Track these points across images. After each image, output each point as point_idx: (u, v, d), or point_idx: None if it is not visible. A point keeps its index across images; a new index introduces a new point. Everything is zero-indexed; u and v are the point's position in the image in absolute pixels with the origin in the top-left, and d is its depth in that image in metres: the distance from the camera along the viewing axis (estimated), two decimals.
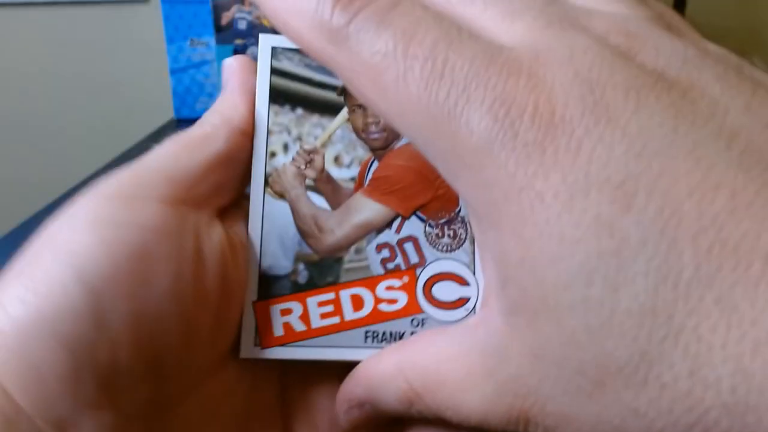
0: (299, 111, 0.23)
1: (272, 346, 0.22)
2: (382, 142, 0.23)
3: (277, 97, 0.23)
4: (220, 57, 0.93)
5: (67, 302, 0.17)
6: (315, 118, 0.23)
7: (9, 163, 1.35)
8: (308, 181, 0.23)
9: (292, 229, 0.23)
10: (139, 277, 0.19)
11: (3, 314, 0.17)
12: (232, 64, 0.23)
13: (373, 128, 0.23)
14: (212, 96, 1.01)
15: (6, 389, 0.17)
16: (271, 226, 0.22)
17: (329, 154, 0.23)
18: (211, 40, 0.97)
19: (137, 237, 0.19)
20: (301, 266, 0.23)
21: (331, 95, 0.23)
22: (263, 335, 0.22)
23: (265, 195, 0.23)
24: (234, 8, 0.91)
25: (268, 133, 0.23)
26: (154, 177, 0.20)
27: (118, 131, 1.21)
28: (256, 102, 0.23)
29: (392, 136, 0.23)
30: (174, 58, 1.00)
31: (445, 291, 0.22)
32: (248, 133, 0.23)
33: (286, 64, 0.23)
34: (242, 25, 0.92)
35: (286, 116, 0.23)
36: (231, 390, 0.22)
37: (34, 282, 0.18)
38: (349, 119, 0.23)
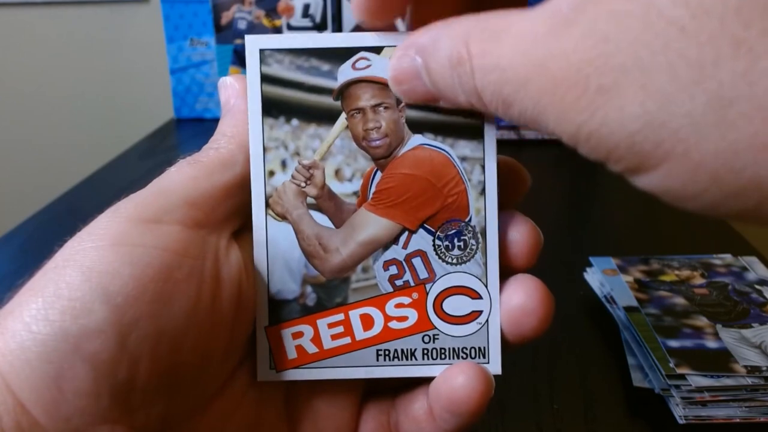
0: (294, 122, 0.22)
1: (287, 369, 0.22)
2: (385, 149, 0.22)
3: (271, 108, 0.22)
4: (220, 57, 0.93)
5: (92, 321, 0.18)
6: (312, 129, 0.22)
7: (9, 163, 1.35)
8: (309, 199, 0.22)
9: (297, 252, 0.22)
10: (161, 298, 0.19)
11: (26, 331, 0.17)
12: (233, 85, 0.23)
13: (374, 134, 0.22)
14: (212, 96, 1.01)
15: (24, 404, 0.17)
16: (276, 250, 0.22)
17: (329, 168, 0.22)
18: (211, 40, 0.97)
19: (161, 259, 0.19)
20: (309, 289, 0.22)
21: (326, 100, 0.22)
22: (277, 359, 0.22)
23: (267, 218, 0.22)
24: (234, 8, 0.91)
25: (265, 150, 0.22)
26: (175, 201, 0.20)
27: (118, 131, 1.21)
28: (249, 117, 0.22)
29: (395, 142, 0.22)
30: (174, 57, 1.00)
31: (456, 305, 0.22)
32: None
33: (276, 69, 0.22)
34: (242, 25, 0.92)
35: (282, 129, 0.22)
36: (239, 404, 0.22)
37: (60, 300, 0.18)
38: (347, 126, 0.22)
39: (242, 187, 0.22)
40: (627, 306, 0.46)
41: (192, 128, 0.99)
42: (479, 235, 0.22)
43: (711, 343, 0.41)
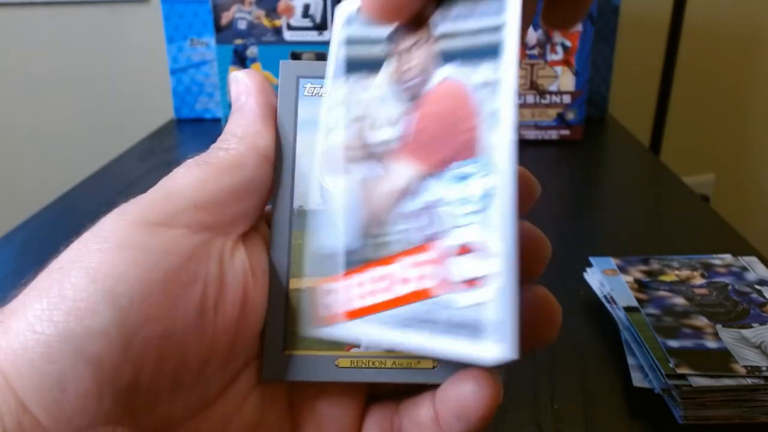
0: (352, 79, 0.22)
1: (317, 326, 0.22)
2: (417, 89, 0.21)
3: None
4: (220, 57, 0.92)
5: (96, 323, 0.18)
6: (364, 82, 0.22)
7: (9, 163, 1.35)
8: (355, 154, 0.21)
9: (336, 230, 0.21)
10: (166, 300, 0.19)
11: (30, 331, 0.17)
12: (244, 80, 0.23)
13: (408, 75, 0.21)
14: (212, 96, 1.01)
15: (26, 404, 0.17)
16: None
17: (369, 121, 0.22)
18: (211, 40, 0.97)
19: (166, 263, 0.19)
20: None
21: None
22: (311, 319, 0.22)
23: (322, 185, 0.22)
24: (234, 8, 0.91)
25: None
26: (181, 203, 0.20)
27: (118, 131, 1.21)
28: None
29: (426, 78, 0.20)
30: (174, 58, 1.00)
31: (469, 266, 0.19)
32: (272, 160, 0.22)
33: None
34: (242, 25, 0.92)
35: (342, 88, 0.22)
36: (242, 405, 0.22)
37: (65, 301, 0.18)
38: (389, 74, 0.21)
39: (251, 189, 0.22)
40: (627, 306, 0.46)
41: (192, 128, 0.99)
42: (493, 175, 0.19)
43: (711, 344, 0.41)
